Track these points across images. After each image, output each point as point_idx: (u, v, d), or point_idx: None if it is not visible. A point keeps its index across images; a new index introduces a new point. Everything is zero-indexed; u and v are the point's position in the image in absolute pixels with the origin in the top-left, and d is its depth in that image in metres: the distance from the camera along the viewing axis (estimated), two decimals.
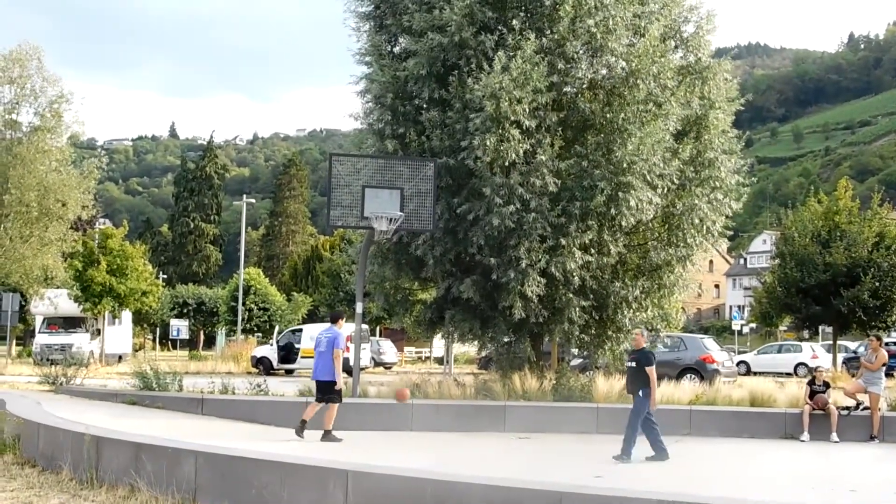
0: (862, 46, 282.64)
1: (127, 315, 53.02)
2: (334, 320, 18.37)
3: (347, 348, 18.20)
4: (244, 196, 71.46)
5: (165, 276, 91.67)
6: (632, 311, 23.10)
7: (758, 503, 8.88)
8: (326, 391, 17.78)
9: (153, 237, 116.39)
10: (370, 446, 17.02)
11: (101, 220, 68.68)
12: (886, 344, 22.90)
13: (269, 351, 45.34)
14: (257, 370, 42.86)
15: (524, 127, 21.12)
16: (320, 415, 17.79)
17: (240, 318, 61.24)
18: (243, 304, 62.11)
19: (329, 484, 10.32)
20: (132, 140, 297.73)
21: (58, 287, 41.93)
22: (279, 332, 48.72)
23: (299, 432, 17.54)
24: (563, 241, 21.41)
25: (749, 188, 25.16)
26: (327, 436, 17.52)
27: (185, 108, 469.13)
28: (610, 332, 23.64)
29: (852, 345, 54.58)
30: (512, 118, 20.82)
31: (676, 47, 24.42)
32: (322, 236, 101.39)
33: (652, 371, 16.16)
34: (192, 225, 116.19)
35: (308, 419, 17.71)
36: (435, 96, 22.11)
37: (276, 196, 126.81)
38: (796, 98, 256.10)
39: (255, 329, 64.83)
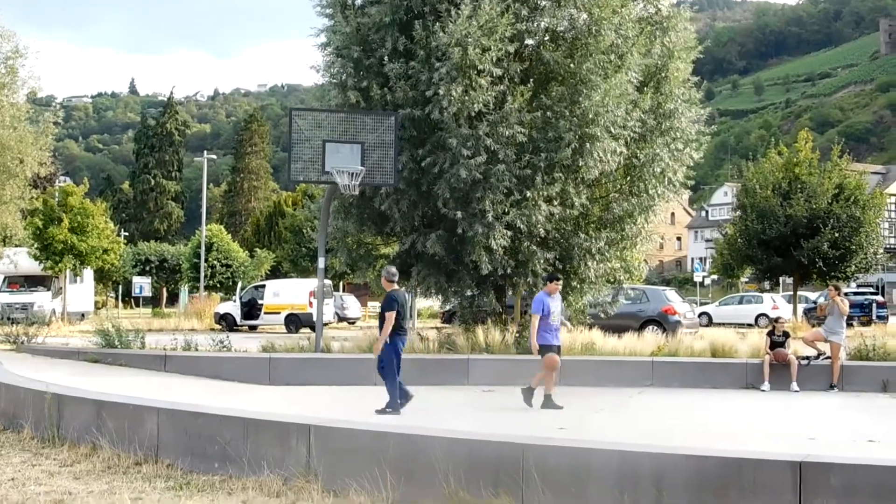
0: None
1: (88, 273, 52.55)
2: (545, 283, 17.18)
3: (535, 315, 16.35)
4: (205, 152, 70.96)
5: (127, 234, 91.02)
6: (595, 262, 23.10)
7: (718, 452, 8.91)
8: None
9: (114, 194, 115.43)
10: (334, 401, 17.00)
11: (62, 178, 68.02)
12: (846, 294, 23.04)
13: (233, 307, 45.12)
14: (220, 326, 42.65)
15: (492, 75, 21.02)
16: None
17: (202, 274, 60.92)
18: (206, 260, 61.78)
19: (292, 438, 10.28)
20: (92, 97, 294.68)
21: (17, 245, 41.47)
22: (242, 289, 48.51)
23: (527, 399, 16.36)
24: (529, 194, 21.36)
25: (709, 138, 25.24)
26: (546, 401, 16.32)
27: (145, 65, 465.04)
28: (574, 284, 23.66)
29: (812, 295, 55.03)
30: (479, 67, 20.70)
31: None
32: (284, 192, 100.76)
33: (389, 316, 15.29)
34: (153, 182, 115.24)
35: (535, 386, 16.57)
36: (399, 46, 21.88)
37: (238, 152, 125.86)
38: (757, 50, 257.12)
39: (219, 285, 64.55)
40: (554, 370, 16.44)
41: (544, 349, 16.30)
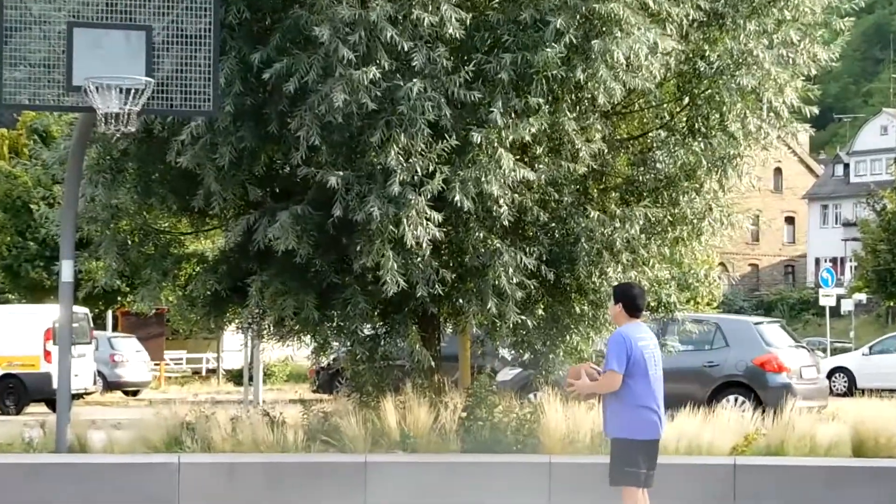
0: None
1: None
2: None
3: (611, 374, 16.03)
4: None
5: None
6: (621, 266, 23.06)
7: None
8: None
9: None
10: None
11: None
12: None
13: None
14: None
15: None
16: None
17: None
18: None
19: None
20: None
21: None
22: None
23: None
24: (478, 137, 21.10)
25: (852, 21, 25.39)
26: None
27: None
28: (579, 309, 23.69)
29: None
30: None
31: None
32: None
33: None
34: None
35: None
36: None
37: None
38: None
39: None
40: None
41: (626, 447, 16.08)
